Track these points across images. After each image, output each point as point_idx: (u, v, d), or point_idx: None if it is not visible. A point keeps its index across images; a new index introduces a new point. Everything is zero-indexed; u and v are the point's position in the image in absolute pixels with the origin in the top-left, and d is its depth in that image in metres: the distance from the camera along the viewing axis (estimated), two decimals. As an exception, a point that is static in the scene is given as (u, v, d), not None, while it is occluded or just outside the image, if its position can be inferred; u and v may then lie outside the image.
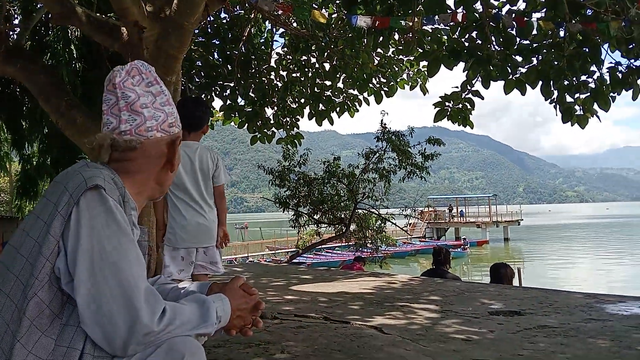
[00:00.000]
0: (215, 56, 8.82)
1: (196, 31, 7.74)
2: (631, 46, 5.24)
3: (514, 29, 5.47)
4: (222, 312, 1.30)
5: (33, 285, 1.13)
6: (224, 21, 8.78)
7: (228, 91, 8.85)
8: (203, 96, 9.06)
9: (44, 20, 8.01)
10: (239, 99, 9.00)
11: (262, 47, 9.18)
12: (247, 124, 9.10)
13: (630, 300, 4.28)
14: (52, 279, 1.15)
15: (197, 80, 8.84)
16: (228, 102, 8.93)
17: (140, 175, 1.35)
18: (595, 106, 5.71)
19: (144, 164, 1.35)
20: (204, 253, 3.20)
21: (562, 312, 3.85)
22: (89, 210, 1.17)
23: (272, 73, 9.15)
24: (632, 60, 5.59)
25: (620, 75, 5.59)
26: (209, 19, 8.18)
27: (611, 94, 5.68)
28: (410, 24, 5.29)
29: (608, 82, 5.65)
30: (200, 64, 8.72)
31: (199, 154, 3.19)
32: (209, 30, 8.62)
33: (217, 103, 9.29)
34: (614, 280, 23.15)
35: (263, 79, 9.06)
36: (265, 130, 9.29)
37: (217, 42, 8.70)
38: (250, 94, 8.92)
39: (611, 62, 5.67)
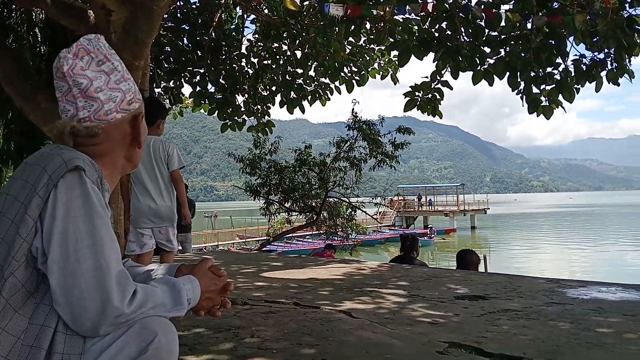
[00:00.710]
0: (185, 42, 8.69)
1: (165, 16, 7.61)
2: (595, 39, 5.38)
3: (483, 20, 5.56)
4: (192, 294, 1.31)
5: (10, 265, 1.13)
6: (194, 6, 8.65)
7: (198, 77, 8.74)
8: (172, 82, 8.94)
9: (6, 2, 7.75)
10: (209, 86, 8.90)
11: (233, 33, 9.07)
12: (217, 111, 9.01)
13: (590, 285, 4.44)
14: (29, 259, 1.15)
15: (166, 65, 8.69)
16: (198, 88, 8.81)
17: (107, 157, 1.34)
18: (560, 97, 5.86)
19: (109, 146, 1.33)
20: (159, 232, 3.80)
21: (525, 296, 3.96)
22: (66, 192, 1.17)
23: (243, 60, 9.07)
24: (596, 53, 5.74)
25: (584, 67, 5.74)
26: (178, 3, 8.06)
27: (575, 85, 5.83)
28: (382, 13, 5.33)
29: (573, 74, 5.80)
30: (169, 50, 8.58)
31: (153, 146, 3.70)
32: (179, 14, 8.48)
33: (187, 89, 9.19)
34: (575, 266, 23.90)
35: (234, 65, 8.97)
36: (236, 117, 9.21)
37: (186, 27, 8.57)
38: (221, 80, 8.83)
39: (576, 55, 5.83)
